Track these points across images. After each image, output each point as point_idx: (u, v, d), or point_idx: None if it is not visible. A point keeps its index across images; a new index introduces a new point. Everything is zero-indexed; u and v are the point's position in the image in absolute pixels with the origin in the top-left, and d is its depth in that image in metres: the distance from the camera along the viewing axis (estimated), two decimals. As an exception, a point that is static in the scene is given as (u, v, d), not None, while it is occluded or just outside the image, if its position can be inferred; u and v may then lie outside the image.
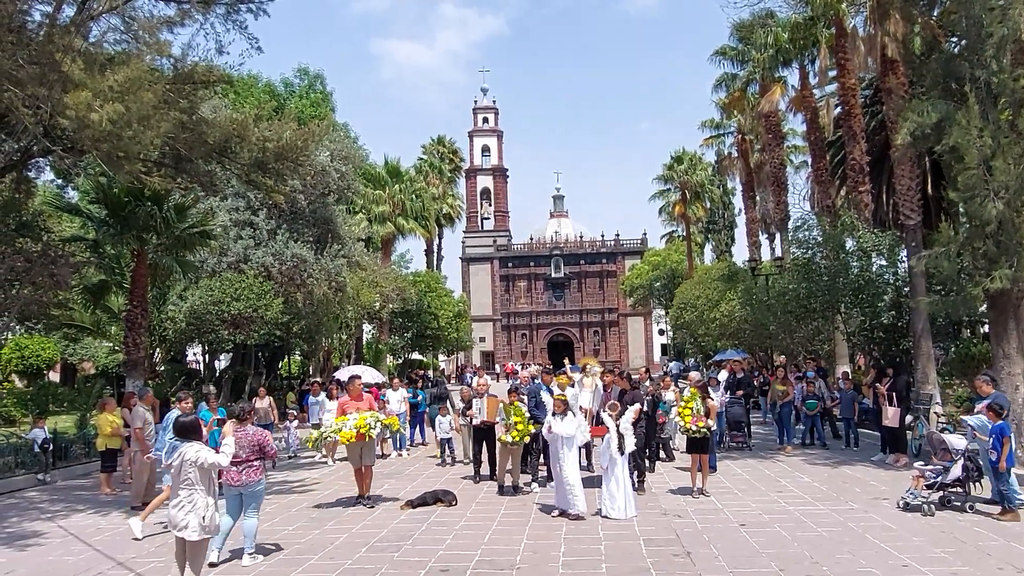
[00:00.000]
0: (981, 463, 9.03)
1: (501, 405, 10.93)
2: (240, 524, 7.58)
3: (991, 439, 8.77)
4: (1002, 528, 8.20)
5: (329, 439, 10.28)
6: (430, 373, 42.34)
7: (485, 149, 71.16)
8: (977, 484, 9.20)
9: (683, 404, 10.54)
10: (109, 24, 11.53)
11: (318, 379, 23.17)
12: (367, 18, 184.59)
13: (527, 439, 10.58)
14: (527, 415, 10.56)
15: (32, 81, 9.43)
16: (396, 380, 17.73)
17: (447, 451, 14.02)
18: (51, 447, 13.43)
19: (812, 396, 15.18)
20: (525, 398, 11.12)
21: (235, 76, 15.01)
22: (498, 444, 10.86)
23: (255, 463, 7.51)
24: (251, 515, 7.50)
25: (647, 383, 13.59)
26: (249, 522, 7.49)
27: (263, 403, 15.33)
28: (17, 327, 23.68)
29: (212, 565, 7.16)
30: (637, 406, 10.33)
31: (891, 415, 12.53)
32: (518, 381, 11.98)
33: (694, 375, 11.80)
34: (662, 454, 13.35)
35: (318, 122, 17.95)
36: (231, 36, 12.33)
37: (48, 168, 17.17)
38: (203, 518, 5.98)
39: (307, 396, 18.65)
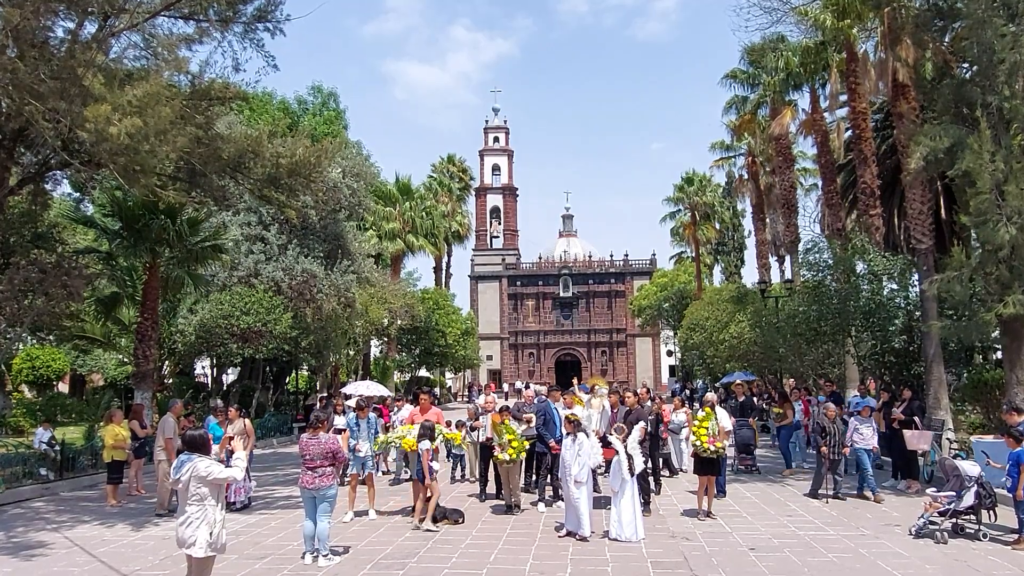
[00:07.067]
0: (995, 490, 8.88)
1: (494, 424, 10.92)
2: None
3: (1007, 465, 8.64)
4: (1017, 558, 8.05)
5: (393, 444, 10.79)
6: (436, 391, 42.28)
7: (495, 168, 71.50)
8: (991, 512, 9.06)
9: (697, 424, 10.44)
10: (129, 41, 11.77)
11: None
12: (380, 40, 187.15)
13: (523, 455, 10.54)
14: (519, 433, 10.55)
15: (53, 95, 9.60)
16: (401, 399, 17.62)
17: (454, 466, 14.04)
18: (58, 446, 13.47)
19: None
20: (532, 416, 11.08)
21: (250, 93, 15.17)
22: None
23: (328, 469, 8.07)
24: (323, 519, 7.97)
25: (649, 402, 13.49)
26: (321, 525, 7.96)
27: (235, 427, 11.29)
28: (29, 338, 23.83)
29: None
30: (642, 424, 10.26)
31: (909, 437, 12.31)
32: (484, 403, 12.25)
33: (710, 396, 11.68)
34: (665, 471, 13.24)
35: (331, 139, 18.12)
36: (248, 54, 12.63)
37: (65, 181, 17.38)
38: (211, 534, 5.79)
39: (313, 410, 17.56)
